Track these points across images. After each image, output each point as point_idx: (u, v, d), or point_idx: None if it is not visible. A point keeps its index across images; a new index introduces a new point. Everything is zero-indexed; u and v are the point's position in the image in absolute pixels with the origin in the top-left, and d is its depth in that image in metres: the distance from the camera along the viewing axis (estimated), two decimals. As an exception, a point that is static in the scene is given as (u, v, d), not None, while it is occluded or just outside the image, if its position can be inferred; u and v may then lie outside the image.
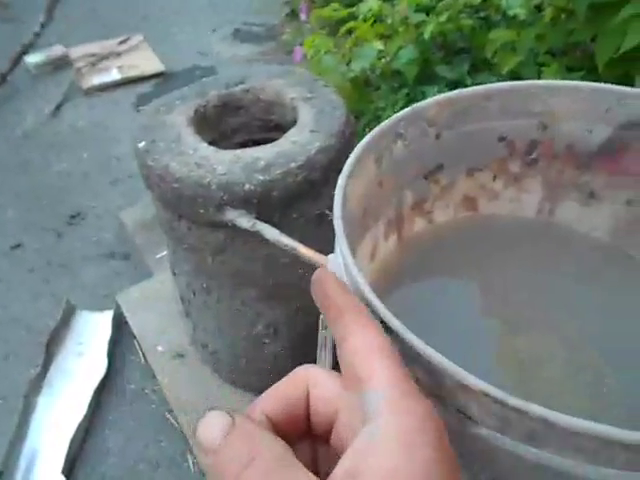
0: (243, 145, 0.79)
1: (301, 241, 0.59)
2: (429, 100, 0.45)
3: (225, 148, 0.69)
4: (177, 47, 2.16)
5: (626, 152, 0.45)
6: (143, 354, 1.01)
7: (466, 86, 1.46)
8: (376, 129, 0.41)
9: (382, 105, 1.45)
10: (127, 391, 0.99)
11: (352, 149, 0.40)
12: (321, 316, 0.35)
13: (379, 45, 1.49)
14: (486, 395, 0.25)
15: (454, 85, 1.46)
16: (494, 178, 0.52)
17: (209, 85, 0.75)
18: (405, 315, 0.47)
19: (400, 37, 1.50)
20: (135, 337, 1.02)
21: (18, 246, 1.32)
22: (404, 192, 0.49)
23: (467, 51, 1.55)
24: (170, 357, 0.91)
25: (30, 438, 0.91)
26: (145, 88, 1.89)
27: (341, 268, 0.36)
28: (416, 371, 0.29)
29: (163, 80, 1.94)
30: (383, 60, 1.52)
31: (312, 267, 0.58)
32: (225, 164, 0.61)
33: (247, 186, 0.59)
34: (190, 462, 0.88)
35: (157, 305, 0.99)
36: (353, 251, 0.40)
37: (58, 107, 1.82)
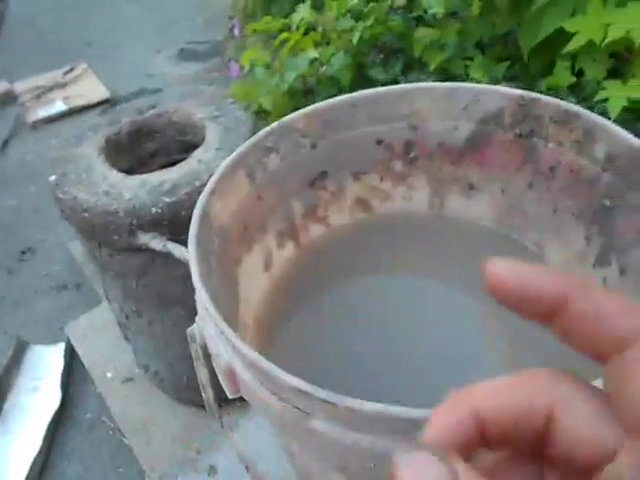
0: (164, 167, 0.80)
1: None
2: (297, 113, 0.47)
3: (144, 174, 0.71)
4: (122, 71, 2.17)
5: (488, 145, 0.48)
6: (94, 381, 1.02)
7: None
8: (242, 146, 0.43)
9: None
10: (83, 421, 0.99)
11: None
12: (188, 330, 0.37)
13: (314, 53, 1.52)
14: (302, 391, 0.27)
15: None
16: (381, 179, 0.55)
17: (122, 113, 0.77)
18: (316, 326, 0.49)
19: (333, 44, 1.53)
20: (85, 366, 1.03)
21: (-31, 286, 1.32)
22: (291, 202, 0.51)
23: (402, 51, 1.59)
24: (119, 382, 0.92)
25: (-13, 478, 0.91)
26: (92, 117, 1.89)
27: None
28: (258, 376, 0.31)
29: (110, 106, 1.95)
30: (321, 68, 1.55)
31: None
32: (132, 190, 0.63)
33: (154, 209, 0.61)
34: (147, 483, 0.89)
35: (104, 332, 1.00)
36: (208, 264, 0.42)
37: (5, 143, 1.81)
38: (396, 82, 1.49)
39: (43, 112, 1.90)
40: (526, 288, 0.15)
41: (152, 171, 0.79)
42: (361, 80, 1.53)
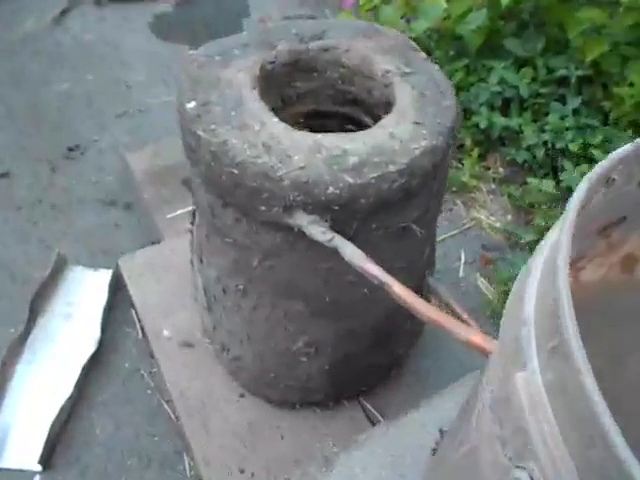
0: (307, 116, 0.63)
1: (374, 256, 0.46)
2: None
3: (286, 118, 0.54)
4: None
5: None
6: (142, 329, 0.89)
7: (535, 67, 1.29)
8: (593, 174, 0.27)
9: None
10: (120, 369, 0.87)
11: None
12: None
13: (444, 3, 1.29)
14: None
15: (522, 63, 1.29)
16: (675, 239, 0.39)
17: (276, 34, 0.59)
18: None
19: (468, -2, 1.30)
20: (134, 308, 0.89)
21: (5, 175, 1.15)
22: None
23: (538, 26, 1.36)
24: (176, 345, 0.78)
25: (4, 412, 0.79)
26: (164, 7, 1.66)
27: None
28: None
29: (186, 1, 1.71)
30: (444, 22, 1.33)
31: (377, 287, 0.45)
32: (303, 153, 0.46)
33: (331, 189, 0.45)
34: (186, 463, 0.77)
35: (166, 279, 0.85)
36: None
37: (63, 13, 1.59)
38: (532, 62, 1.28)
39: (111, -12, 1.66)
40: None
41: (295, 118, 0.62)
42: (488, 49, 1.32)
